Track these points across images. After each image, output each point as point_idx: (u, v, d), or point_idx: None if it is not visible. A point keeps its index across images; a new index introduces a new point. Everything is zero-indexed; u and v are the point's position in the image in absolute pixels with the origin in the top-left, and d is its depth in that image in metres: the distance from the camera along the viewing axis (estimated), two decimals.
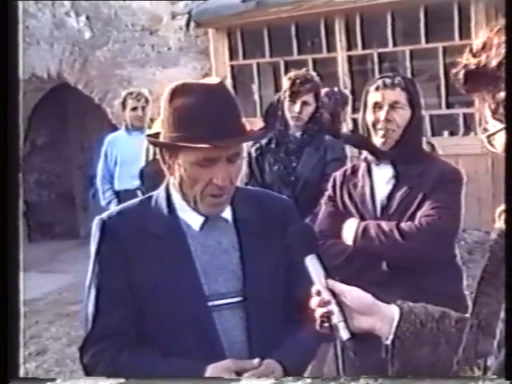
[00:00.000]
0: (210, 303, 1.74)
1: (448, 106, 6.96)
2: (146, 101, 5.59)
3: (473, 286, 2.63)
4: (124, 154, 5.48)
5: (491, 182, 6.20)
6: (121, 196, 5.42)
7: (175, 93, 1.72)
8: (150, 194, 1.85)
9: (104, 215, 1.80)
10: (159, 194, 1.82)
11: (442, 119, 6.91)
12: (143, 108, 5.53)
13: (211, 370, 1.67)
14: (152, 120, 5.68)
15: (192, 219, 1.79)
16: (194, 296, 1.74)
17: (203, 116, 1.67)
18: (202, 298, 1.74)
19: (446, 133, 6.98)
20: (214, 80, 1.76)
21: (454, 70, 1.16)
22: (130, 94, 5.61)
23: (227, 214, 1.81)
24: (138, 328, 1.75)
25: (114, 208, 5.45)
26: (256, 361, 1.70)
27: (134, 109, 5.51)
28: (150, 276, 1.73)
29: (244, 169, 1.82)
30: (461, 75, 1.14)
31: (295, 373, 1.75)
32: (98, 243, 1.77)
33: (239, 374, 1.68)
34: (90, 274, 1.78)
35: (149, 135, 1.87)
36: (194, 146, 1.66)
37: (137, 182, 5.33)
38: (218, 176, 1.69)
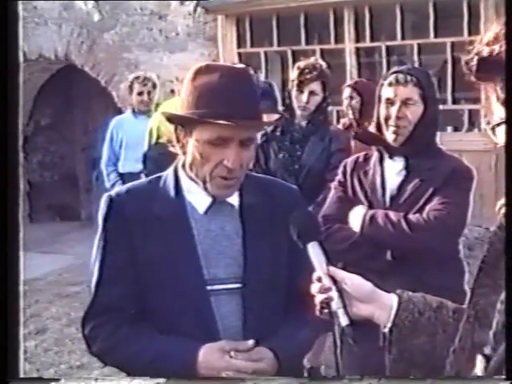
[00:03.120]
0: (209, 287, 1.76)
1: (454, 102, 6.96)
2: (154, 85, 5.61)
3: (471, 282, 2.65)
4: (130, 137, 5.50)
5: (494, 179, 6.20)
6: (125, 179, 5.43)
7: (199, 72, 1.74)
8: (160, 174, 1.86)
9: (112, 192, 1.82)
10: (168, 174, 1.83)
11: (447, 114, 6.90)
12: (149, 93, 5.56)
13: (205, 350, 1.70)
14: (158, 104, 5.69)
15: (198, 202, 1.79)
16: (194, 279, 1.75)
17: (224, 95, 1.69)
18: (200, 281, 1.75)
19: (449, 128, 6.98)
20: (239, 65, 1.80)
21: (465, 58, 1.17)
22: (137, 78, 5.62)
23: (234, 199, 1.82)
24: (138, 305, 1.77)
25: None
26: (250, 342, 1.72)
27: (140, 93, 5.54)
28: (152, 256, 1.74)
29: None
30: (474, 62, 1.15)
31: (288, 363, 1.76)
32: (104, 219, 1.79)
33: (231, 355, 1.70)
34: (95, 248, 1.80)
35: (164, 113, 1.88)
36: (209, 120, 1.68)
37: (141, 166, 5.36)
38: (229, 158, 1.70)
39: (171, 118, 1.81)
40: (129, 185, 1.88)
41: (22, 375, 1.81)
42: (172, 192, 1.79)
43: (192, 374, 1.69)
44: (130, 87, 5.60)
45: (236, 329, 1.77)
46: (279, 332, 1.78)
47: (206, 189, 1.77)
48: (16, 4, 1.82)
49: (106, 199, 1.80)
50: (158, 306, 1.76)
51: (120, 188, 1.86)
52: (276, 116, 1.76)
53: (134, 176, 5.31)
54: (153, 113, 5.59)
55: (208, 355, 1.69)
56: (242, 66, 1.82)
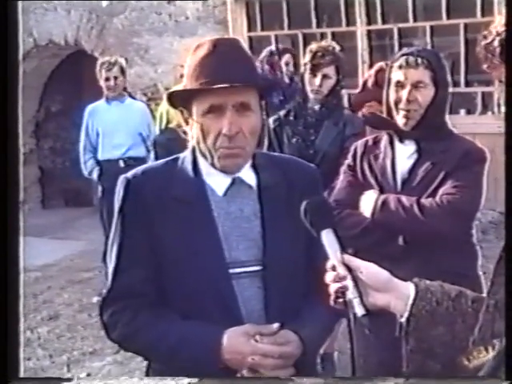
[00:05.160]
0: (231, 270, 1.73)
1: (467, 84, 6.88)
2: (121, 70, 5.49)
3: (485, 266, 2.62)
4: (104, 125, 5.46)
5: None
6: (103, 166, 5.44)
7: (192, 51, 1.76)
8: (176, 155, 1.83)
9: (129, 174, 1.79)
10: (185, 156, 1.81)
11: (459, 97, 6.84)
12: (115, 78, 5.43)
13: (229, 334, 1.67)
14: (168, 89, 5.63)
15: (216, 184, 1.77)
16: (215, 262, 1.73)
17: (207, 65, 1.71)
18: (222, 264, 1.72)
19: (462, 111, 6.92)
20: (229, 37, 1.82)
21: (484, 42, 1.13)
22: (103, 63, 5.50)
23: (251, 179, 1.79)
24: (157, 289, 1.75)
25: (95, 176, 5.65)
26: (275, 325, 1.69)
27: (107, 79, 5.43)
28: (172, 238, 1.72)
29: (259, 127, 1.79)
30: (496, 43, 1.11)
31: (313, 345, 1.75)
32: (121, 201, 1.76)
33: (256, 339, 1.67)
34: (112, 232, 1.78)
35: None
36: (188, 89, 1.72)
37: (118, 152, 5.41)
38: (225, 125, 1.68)
39: (169, 99, 1.82)
40: (145, 166, 1.87)
41: (22, 375, 1.80)
42: (191, 173, 1.77)
43: (216, 359, 1.66)
44: (99, 73, 5.48)
45: (259, 312, 1.74)
46: (302, 314, 1.76)
47: (213, 164, 1.75)
48: (16, 4, 1.82)
49: (122, 181, 1.77)
50: (179, 290, 1.73)
51: (136, 169, 1.82)
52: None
53: (111, 162, 5.35)
54: (126, 97, 5.57)
55: (233, 339, 1.66)
56: (231, 37, 1.84)
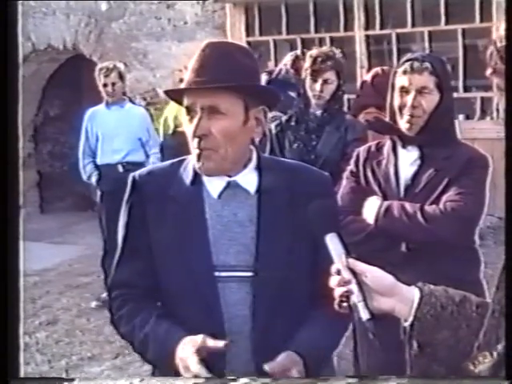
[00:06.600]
0: (217, 273, 1.74)
1: (465, 90, 6.89)
2: (120, 76, 5.47)
3: (483, 271, 2.61)
4: (104, 130, 5.45)
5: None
6: (101, 170, 5.43)
7: None
8: (183, 157, 1.86)
9: (137, 172, 1.87)
10: (190, 159, 1.82)
11: (458, 102, 6.84)
12: (113, 84, 5.42)
13: (184, 340, 1.67)
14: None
15: (212, 186, 1.79)
16: (201, 264, 1.75)
17: (191, 68, 1.75)
18: (208, 266, 1.74)
19: (461, 116, 6.93)
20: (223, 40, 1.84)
21: (491, 49, 1.13)
22: (101, 69, 5.49)
23: (250, 184, 1.79)
24: (151, 283, 1.80)
25: (94, 180, 5.63)
26: (223, 343, 1.64)
27: (105, 85, 5.42)
28: (166, 237, 1.77)
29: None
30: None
31: (316, 350, 1.73)
32: (127, 198, 1.84)
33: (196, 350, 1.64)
34: (119, 226, 1.86)
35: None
36: (166, 90, 1.84)
37: (118, 157, 5.39)
38: (193, 126, 1.72)
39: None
40: (152, 166, 1.99)
41: (22, 375, 1.82)
42: (191, 175, 1.80)
43: (170, 361, 1.68)
44: (97, 79, 5.46)
45: (243, 318, 1.74)
46: (303, 320, 1.75)
47: (197, 167, 1.77)
48: (16, 4, 1.82)
49: (130, 179, 1.85)
50: (167, 287, 1.78)
51: (143, 169, 1.91)
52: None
53: (110, 167, 5.34)
54: (127, 102, 5.55)
55: (182, 345, 1.66)
56: (224, 40, 1.86)
